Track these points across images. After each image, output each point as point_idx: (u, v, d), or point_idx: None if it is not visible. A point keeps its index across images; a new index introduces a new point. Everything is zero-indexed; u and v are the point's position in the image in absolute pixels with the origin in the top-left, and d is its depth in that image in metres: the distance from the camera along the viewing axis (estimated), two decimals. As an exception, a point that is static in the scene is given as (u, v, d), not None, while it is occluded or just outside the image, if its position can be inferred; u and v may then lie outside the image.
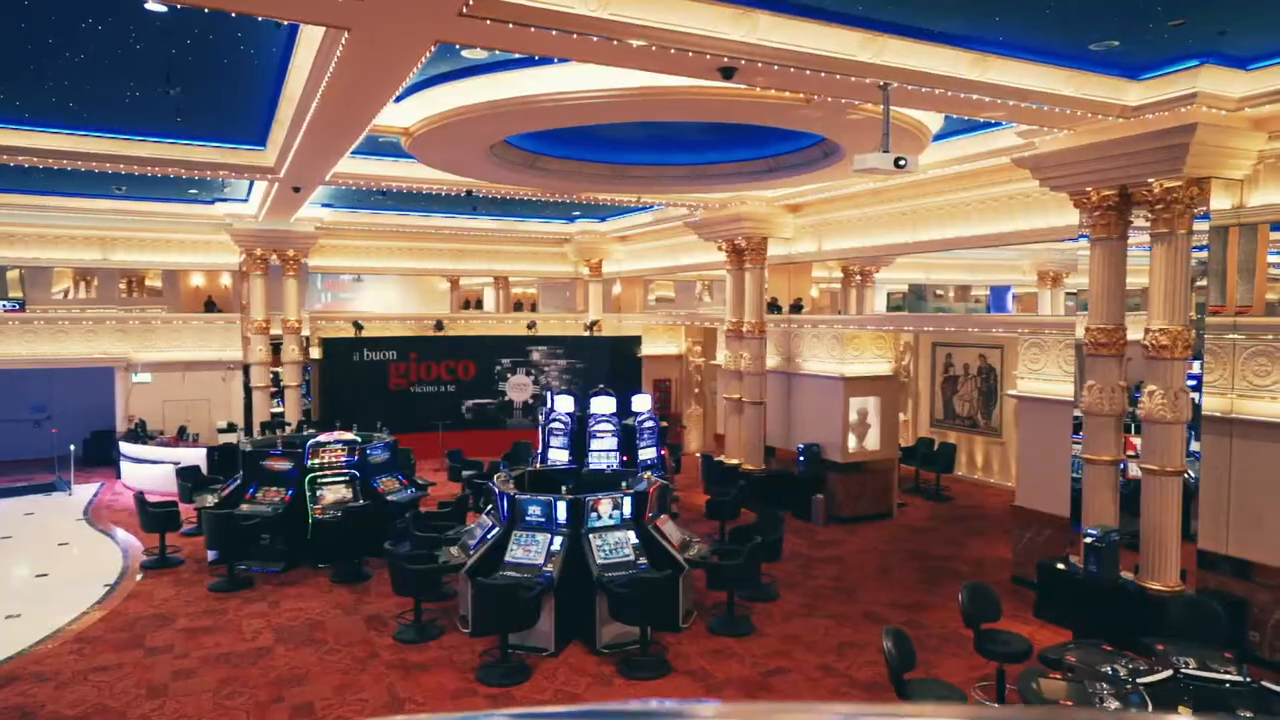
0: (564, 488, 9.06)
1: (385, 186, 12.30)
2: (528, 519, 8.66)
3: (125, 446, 15.43)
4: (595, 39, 5.46)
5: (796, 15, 5.76)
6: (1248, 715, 4.79)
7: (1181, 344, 7.77)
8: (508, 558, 8.43)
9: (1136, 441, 8.46)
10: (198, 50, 6.92)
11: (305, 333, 16.93)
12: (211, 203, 14.87)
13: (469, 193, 12.89)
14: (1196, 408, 8.03)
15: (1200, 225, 7.83)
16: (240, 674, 7.59)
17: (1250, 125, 7.44)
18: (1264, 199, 7.72)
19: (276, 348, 16.41)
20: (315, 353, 17.58)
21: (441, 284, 24.54)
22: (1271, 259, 8.21)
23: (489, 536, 8.83)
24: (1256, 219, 7.83)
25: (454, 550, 9.04)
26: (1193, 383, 8.05)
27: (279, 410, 16.43)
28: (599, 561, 8.30)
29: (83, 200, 14.18)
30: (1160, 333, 7.80)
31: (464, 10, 4.94)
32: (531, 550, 8.44)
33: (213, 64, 7.28)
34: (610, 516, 8.68)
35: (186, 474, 12.51)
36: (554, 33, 5.31)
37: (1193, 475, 8.21)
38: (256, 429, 15.59)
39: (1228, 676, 5.33)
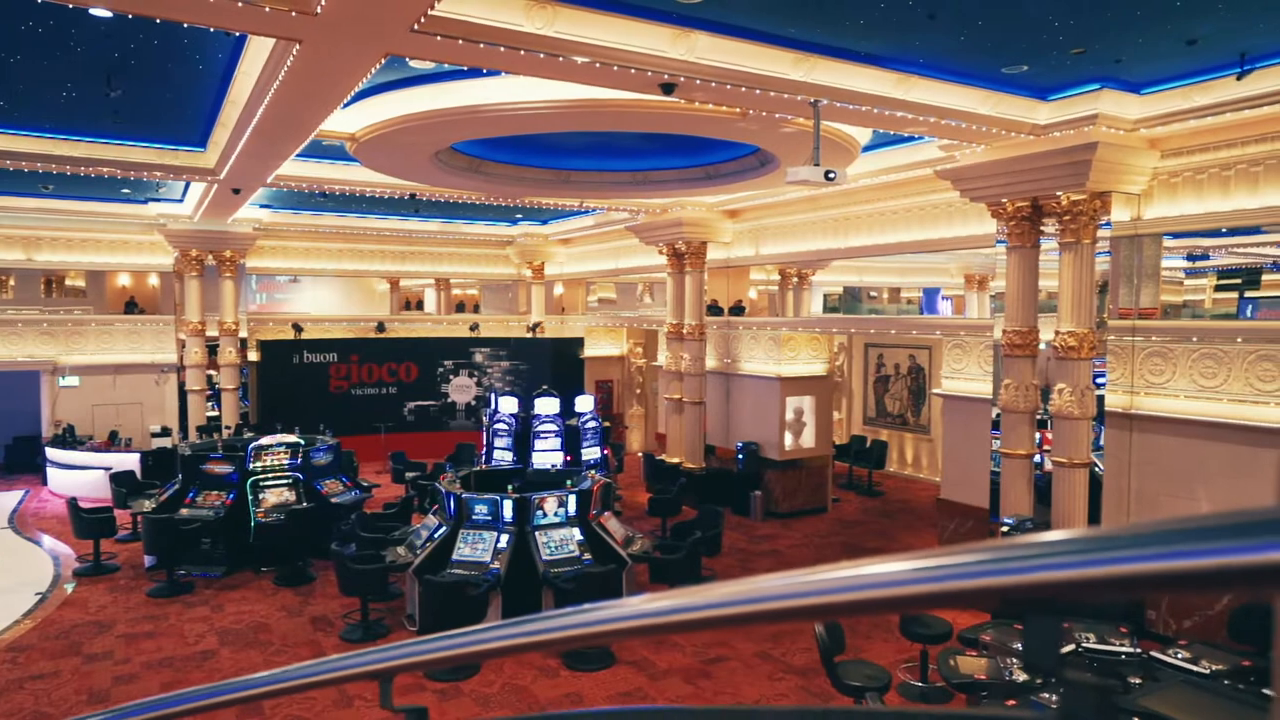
0: (510, 487, 9.26)
1: (328, 189, 12.27)
2: (475, 518, 8.83)
3: (52, 452, 14.98)
4: (541, 55, 5.70)
5: (732, 36, 6.12)
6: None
7: (1088, 345, 8.39)
8: (455, 556, 8.59)
9: (1051, 436, 9.07)
10: (141, 53, 6.91)
11: (242, 334, 16.65)
12: (144, 202, 14.53)
13: (412, 196, 12.95)
14: (1101, 403, 8.67)
15: (1104, 233, 8.47)
16: (184, 677, 7.59)
17: (1145, 144, 8.11)
18: (1158, 212, 8.40)
19: (212, 349, 16.10)
20: (253, 355, 17.30)
21: (381, 285, 24.28)
22: (1174, 264, 8.90)
23: (436, 535, 8.98)
24: (1151, 230, 8.51)
25: (400, 550, 9.15)
26: (1100, 381, 8.69)
27: (215, 414, 16.14)
28: (545, 558, 8.53)
29: (7, 199, 13.73)
30: (1068, 334, 8.41)
31: (416, 26, 5.12)
32: (479, 548, 8.63)
33: (156, 67, 7.26)
34: (555, 514, 8.92)
35: (121, 479, 12.26)
36: (502, 49, 5.53)
37: (1100, 467, 8.86)
38: (192, 433, 15.31)
39: (1122, 649, 5.90)
